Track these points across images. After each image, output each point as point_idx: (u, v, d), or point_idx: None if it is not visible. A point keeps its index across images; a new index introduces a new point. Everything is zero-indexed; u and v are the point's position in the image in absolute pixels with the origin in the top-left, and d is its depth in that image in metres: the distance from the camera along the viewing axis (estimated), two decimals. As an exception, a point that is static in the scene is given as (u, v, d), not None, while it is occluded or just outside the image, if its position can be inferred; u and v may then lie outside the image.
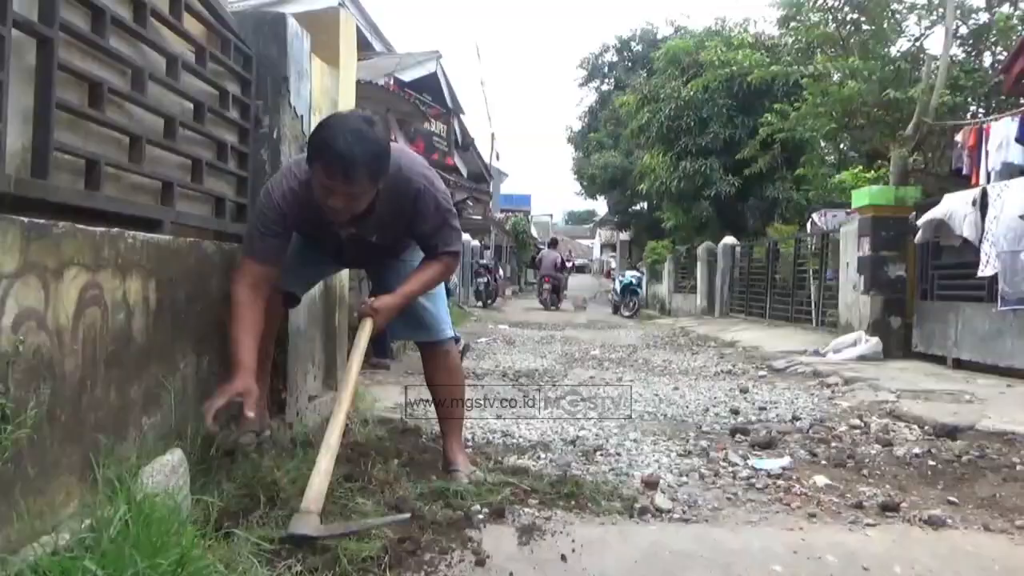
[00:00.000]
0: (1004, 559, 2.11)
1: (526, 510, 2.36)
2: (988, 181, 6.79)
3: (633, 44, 28.92)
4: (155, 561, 1.44)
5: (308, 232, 2.49)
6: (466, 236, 18.50)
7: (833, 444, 3.58)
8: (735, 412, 4.43)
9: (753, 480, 2.93)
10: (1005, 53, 8.95)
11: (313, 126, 3.27)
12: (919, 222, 6.71)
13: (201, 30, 2.51)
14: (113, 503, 1.53)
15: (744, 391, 5.32)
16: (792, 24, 11.86)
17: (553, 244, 21.36)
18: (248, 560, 1.66)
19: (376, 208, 2.33)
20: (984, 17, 10.45)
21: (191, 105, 2.39)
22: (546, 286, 18.63)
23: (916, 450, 3.40)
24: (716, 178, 15.90)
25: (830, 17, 10.93)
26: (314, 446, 2.52)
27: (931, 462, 3.24)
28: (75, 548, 1.45)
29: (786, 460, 3.19)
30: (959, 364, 6.35)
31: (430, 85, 13.68)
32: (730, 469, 3.08)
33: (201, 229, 2.48)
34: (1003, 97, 9.20)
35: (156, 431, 1.98)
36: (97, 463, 1.63)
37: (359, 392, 3.76)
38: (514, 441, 3.52)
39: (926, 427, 3.89)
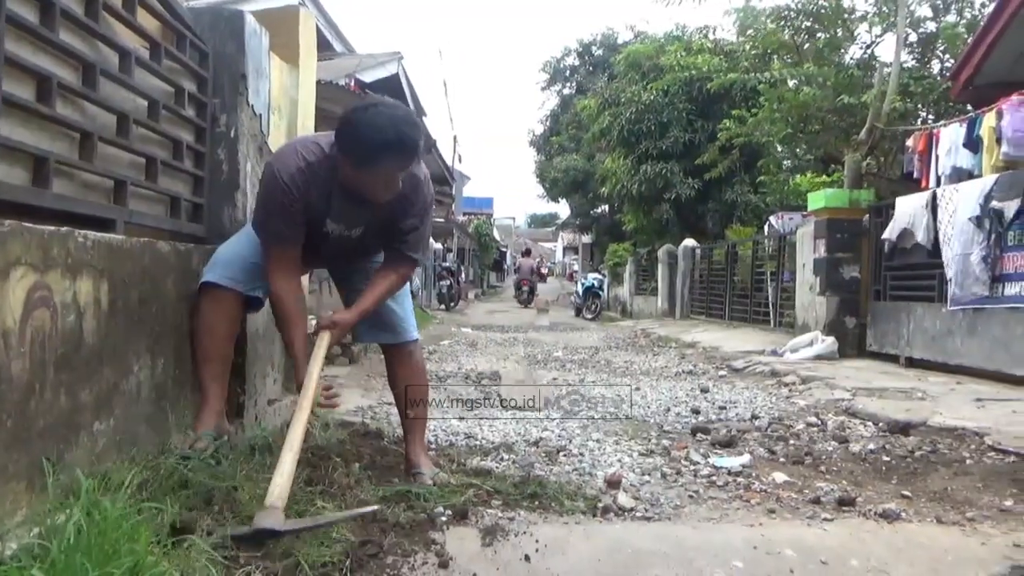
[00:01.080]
0: (956, 550, 2.17)
1: (489, 511, 2.35)
2: (938, 185, 6.99)
3: (594, 48, 29.14)
4: (107, 570, 1.39)
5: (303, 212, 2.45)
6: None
7: (791, 442, 3.64)
8: (696, 412, 4.48)
9: (714, 478, 2.96)
10: (953, 60, 9.24)
11: (271, 125, 3.24)
12: (886, 235, 6.86)
13: (156, 25, 2.45)
14: (64, 510, 1.48)
15: (705, 391, 5.39)
16: (749, 31, 12.08)
17: (527, 253, 25.03)
18: (205, 567, 1.62)
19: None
20: (933, 26, 10.78)
21: (145, 102, 2.34)
22: (524, 288, 21.97)
23: (871, 446, 3.49)
24: (676, 181, 16.09)
25: (786, 25, 11.15)
26: (273, 451, 2.49)
27: (885, 458, 3.32)
28: (23, 558, 1.40)
29: (746, 458, 3.24)
30: (911, 363, 6.52)
31: (392, 86, 13.59)
32: (691, 467, 3.11)
33: (156, 229, 2.43)
34: (951, 103, 9.49)
35: (108, 436, 1.92)
36: (47, 469, 1.58)
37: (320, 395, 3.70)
38: (477, 443, 3.51)
39: (880, 424, 3.98)
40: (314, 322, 2.49)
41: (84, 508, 1.50)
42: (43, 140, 1.83)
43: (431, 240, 18.78)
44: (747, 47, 12.72)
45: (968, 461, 3.24)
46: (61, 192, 1.88)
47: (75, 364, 1.78)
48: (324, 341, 2.42)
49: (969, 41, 7.98)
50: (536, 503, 2.48)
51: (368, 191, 2.29)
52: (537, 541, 2.11)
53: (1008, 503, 2.62)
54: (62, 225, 1.75)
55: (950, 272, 6.01)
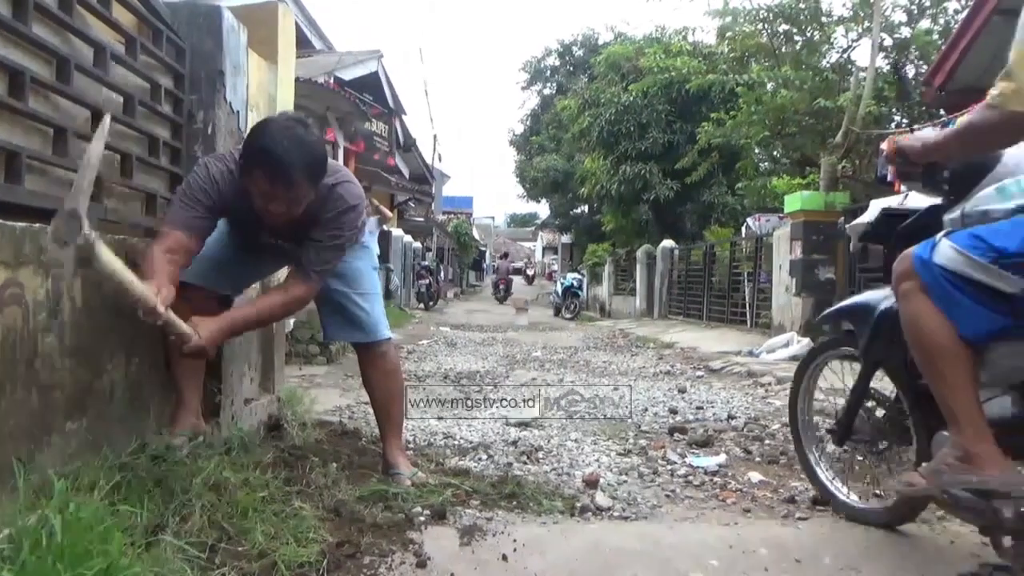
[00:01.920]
0: (926, 548, 2.21)
1: (468, 511, 2.35)
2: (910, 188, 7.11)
3: (575, 49, 29.22)
4: (79, 571, 1.37)
5: (234, 222, 2.42)
6: (408, 238, 18.38)
7: (767, 442, 3.68)
8: (673, 412, 4.52)
9: (691, 477, 2.99)
10: (926, 66, 9.39)
11: (250, 122, 3.21)
12: (850, 229, 6.95)
13: (132, 20, 2.42)
14: (35, 511, 1.46)
15: (682, 391, 5.43)
16: (728, 34, 12.18)
17: (505, 256, 29.18)
18: (180, 567, 1.61)
19: (304, 216, 2.28)
20: (907, 31, 10.94)
21: (120, 98, 2.30)
22: (501, 286, 25.29)
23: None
24: (655, 182, 16.19)
25: (764, 28, 11.26)
26: (250, 450, 2.47)
27: (859, 457, 3.36)
28: (-8, 559, 1.37)
29: (722, 458, 3.27)
30: (884, 363, 6.60)
31: (371, 84, 13.53)
32: (668, 467, 3.14)
33: (131, 226, 2.40)
34: (925, 108, 9.64)
35: (82, 436, 1.90)
36: (17, 470, 1.55)
37: (296, 394, 3.69)
38: (455, 442, 3.51)
39: (854, 424, 4.03)
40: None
41: (56, 509, 1.47)
42: (15, 135, 1.80)
43: (409, 239, 18.72)
44: (725, 49, 12.83)
45: (939, 460, 3.29)
46: (34, 188, 1.85)
47: (47, 363, 1.75)
48: (180, 323, 2.08)
49: (943, 47, 8.11)
50: (514, 503, 2.49)
51: (257, 204, 2.19)
52: (515, 541, 2.11)
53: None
54: (35, 222, 1.72)
55: None
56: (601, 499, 2.59)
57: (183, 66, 2.71)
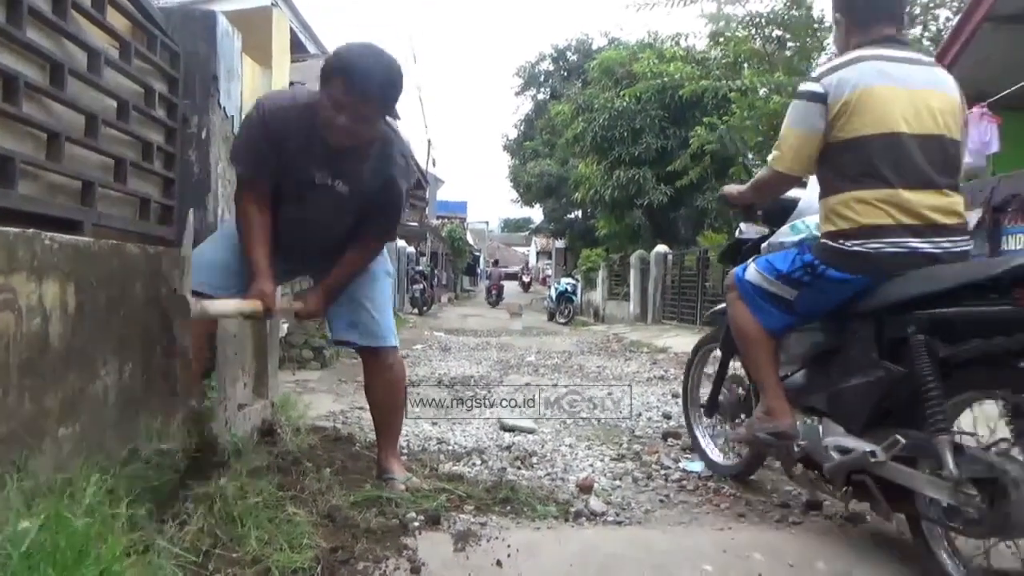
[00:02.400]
0: (920, 553, 2.21)
1: (462, 516, 2.35)
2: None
3: (569, 54, 29.32)
4: (72, 578, 1.37)
5: (286, 167, 2.38)
6: (402, 243, 18.37)
7: (760, 446, 3.68)
8: (667, 416, 4.52)
9: (684, 482, 2.99)
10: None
11: (244, 127, 3.20)
12: None
13: (126, 25, 2.42)
14: (27, 517, 1.45)
15: (676, 396, 5.43)
16: (721, 39, 12.24)
17: (496, 263, 31.65)
18: (174, 573, 1.60)
19: (361, 156, 2.35)
20: (899, 38, 11.01)
21: (114, 102, 2.30)
22: (493, 292, 26.32)
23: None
24: (649, 188, 16.23)
25: (757, 33, 11.32)
26: (244, 455, 2.46)
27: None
28: (-17, 566, 1.37)
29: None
30: (877, 368, 6.63)
31: (365, 89, 13.52)
32: (662, 472, 3.14)
33: (124, 231, 2.39)
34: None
35: (74, 441, 1.89)
36: (10, 475, 1.55)
37: (290, 400, 3.68)
38: (449, 448, 3.50)
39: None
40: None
41: (48, 515, 1.47)
42: (9, 140, 1.80)
43: (403, 244, 18.72)
44: (719, 55, 12.88)
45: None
46: (27, 193, 1.85)
47: (40, 368, 1.75)
48: (288, 303, 2.48)
49: (933, 54, 8.16)
50: (508, 508, 2.48)
51: (324, 115, 2.23)
52: (509, 546, 2.11)
53: (969, 506, 2.68)
54: (28, 227, 1.72)
55: None
56: (595, 504, 2.59)
57: (177, 71, 2.71)
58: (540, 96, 30.52)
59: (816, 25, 10.85)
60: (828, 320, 2.29)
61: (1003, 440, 1.86)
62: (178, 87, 2.73)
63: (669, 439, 3.80)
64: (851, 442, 2.13)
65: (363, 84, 2.16)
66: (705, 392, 3.17)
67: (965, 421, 1.99)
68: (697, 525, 2.47)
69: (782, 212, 2.58)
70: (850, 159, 2.11)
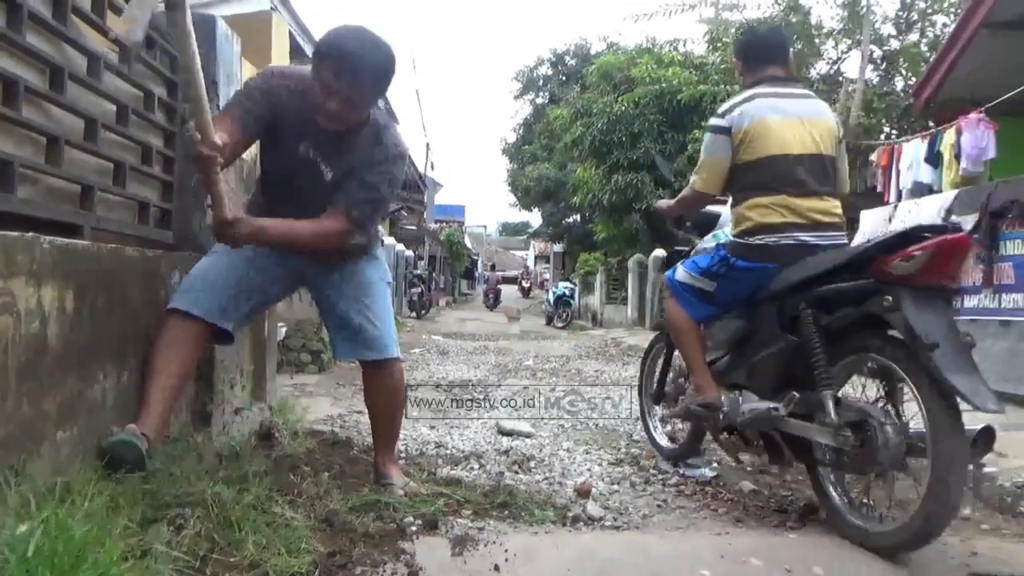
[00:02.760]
0: (916, 558, 2.21)
1: (460, 521, 2.35)
2: (900, 199, 7.16)
3: (567, 58, 29.37)
4: (69, 582, 1.37)
5: (275, 137, 2.34)
6: (400, 246, 18.36)
7: (758, 451, 3.68)
8: (664, 421, 4.52)
9: (682, 487, 2.99)
10: (915, 78, 9.48)
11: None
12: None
13: (125, 29, 2.42)
14: (25, 522, 1.45)
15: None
16: (719, 44, 12.27)
17: (492, 268, 32.62)
18: (170, 577, 1.60)
19: (352, 139, 2.34)
20: (896, 44, 11.05)
21: (114, 106, 2.31)
22: (491, 296, 26.99)
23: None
24: (647, 192, 16.22)
25: (755, 39, 11.34)
26: (241, 459, 2.46)
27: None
28: (-19, 570, 1.37)
29: (714, 467, 3.28)
30: (874, 373, 6.64)
31: (364, 93, 13.54)
32: (660, 477, 3.14)
33: (123, 235, 2.39)
34: (914, 119, 9.72)
35: (72, 445, 1.89)
36: (8, 480, 1.54)
37: (288, 403, 3.68)
38: (447, 452, 3.50)
39: (844, 433, 4.05)
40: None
41: (46, 519, 1.47)
42: (8, 144, 1.80)
43: (402, 247, 18.71)
44: (717, 60, 12.91)
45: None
46: (26, 197, 1.85)
47: (38, 372, 1.75)
48: (220, 186, 2.14)
49: (931, 60, 8.19)
50: (506, 512, 2.49)
51: (319, 104, 2.22)
52: (507, 551, 2.11)
53: (966, 512, 2.68)
54: (27, 230, 1.72)
55: None
56: (593, 509, 2.60)
57: (176, 75, 2.71)
58: (539, 100, 30.56)
59: (814, 31, 10.88)
60: (743, 308, 2.77)
61: (880, 398, 2.35)
62: (177, 91, 2.73)
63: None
64: (762, 404, 2.58)
65: (354, 70, 2.15)
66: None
67: (871, 392, 2.43)
68: (695, 530, 2.47)
69: (707, 224, 3.13)
70: (752, 176, 2.64)
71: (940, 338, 2.04)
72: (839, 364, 2.40)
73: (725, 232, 2.88)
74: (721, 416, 2.77)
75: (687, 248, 3.30)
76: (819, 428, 2.37)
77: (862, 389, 2.51)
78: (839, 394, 2.37)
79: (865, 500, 2.40)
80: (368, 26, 2.29)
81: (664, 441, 3.51)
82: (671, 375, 3.44)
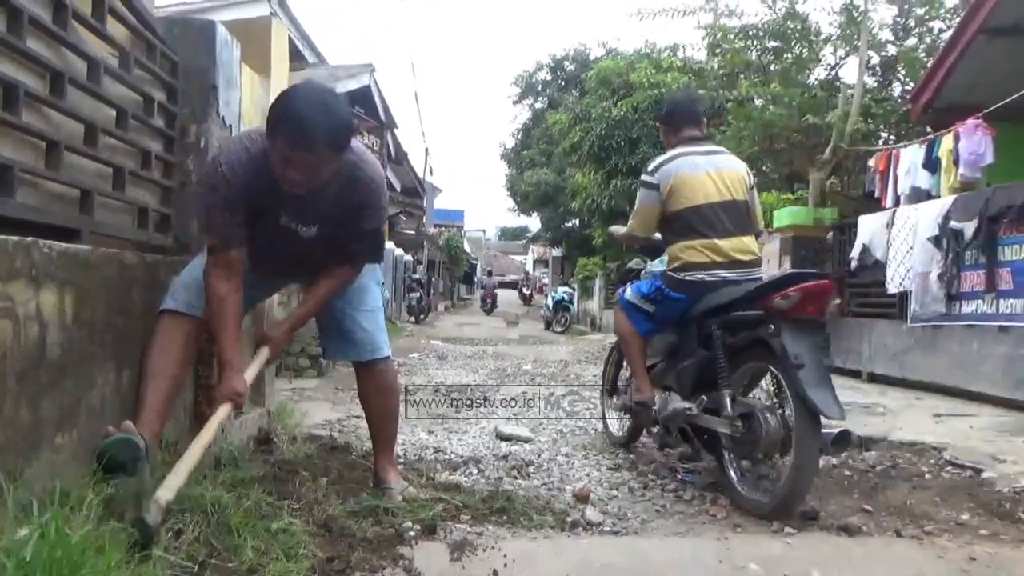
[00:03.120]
0: (914, 563, 2.22)
1: (458, 526, 2.35)
2: (898, 204, 7.16)
3: (566, 63, 29.38)
4: (68, 587, 1.37)
5: (253, 209, 2.30)
6: (399, 251, 18.36)
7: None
8: (663, 426, 4.52)
9: (681, 492, 2.99)
10: (913, 84, 9.50)
11: (243, 136, 3.21)
12: (852, 255, 7.00)
13: (125, 34, 2.43)
14: (23, 526, 1.45)
15: (672, 405, 5.43)
16: (717, 50, 12.28)
17: (489, 274, 35.22)
18: (169, 583, 1.60)
19: (326, 191, 2.26)
20: (894, 49, 11.06)
21: (113, 112, 2.31)
22: (488, 300, 27.89)
23: (833, 461, 3.54)
24: (646, 197, 16.23)
25: (753, 44, 11.37)
26: (240, 464, 2.46)
27: (847, 472, 3.38)
28: (-21, 576, 1.36)
29: (712, 472, 3.27)
30: (873, 378, 6.65)
31: (363, 98, 13.56)
32: (659, 482, 3.14)
33: (122, 240, 2.40)
34: (911, 125, 9.74)
35: (70, 449, 1.89)
36: (6, 484, 1.54)
37: (287, 408, 3.68)
38: (446, 457, 3.50)
39: (843, 438, 4.05)
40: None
41: (45, 524, 1.47)
42: (8, 148, 1.80)
43: (400, 252, 18.71)
44: (715, 66, 12.93)
45: (927, 475, 3.32)
46: (26, 201, 1.86)
47: (37, 376, 1.75)
48: (262, 356, 2.36)
49: (928, 65, 8.21)
50: (504, 518, 2.48)
51: (276, 172, 2.16)
52: (505, 556, 2.11)
53: (965, 517, 2.69)
54: (27, 235, 1.72)
55: (892, 287, 6.19)
56: (592, 514, 2.59)
57: (176, 80, 2.72)
58: (537, 105, 30.57)
59: (812, 37, 10.90)
60: (675, 326, 3.32)
61: (772, 398, 2.91)
62: (177, 96, 2.73)
63: (665, 449, 3.80)
64: (681, 404, 3.11)
65: (307, 137, 2.06)
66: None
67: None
68: (693, 535, 2.47)
69: (655, 250, 3.58)
70: (680, 223, 3.17)
71: (806, 360, 2.62)
72: (738, 372, 2.97)
73: (662, 261, 3.37)
74: (652, 412, 3.30)
75: (637, 268, 3.86)
76: (719, 420, 2.91)
77: (760, 391, 3.11)
78: (736, 394, 2.94)
79: (760, 477, 2.92)
80: (316, 80, 2.26)
81: (616, 428, 4.01)
82: (623, 374, 3.92)
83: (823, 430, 2.63)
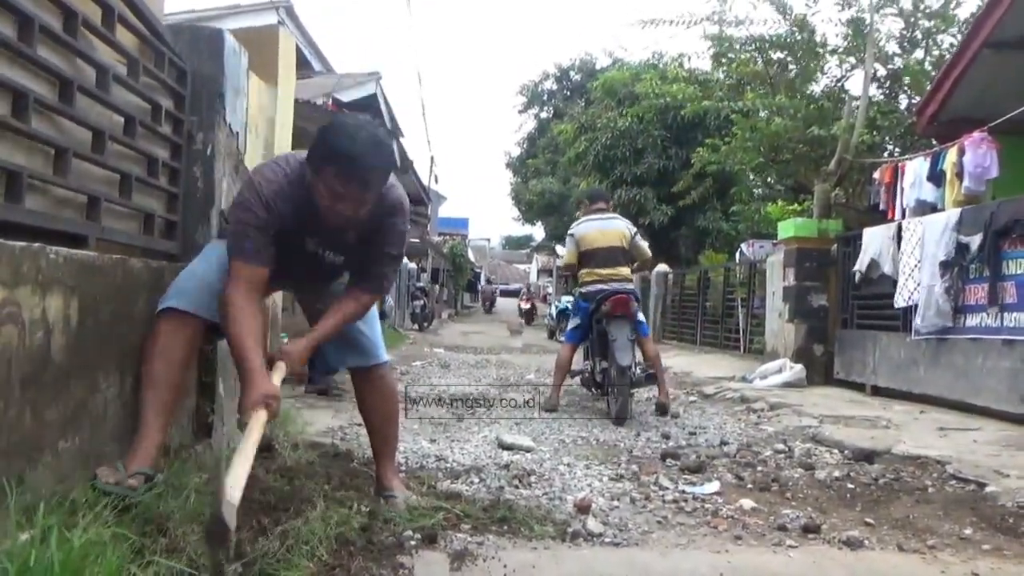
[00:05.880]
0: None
1: (459, 535, 2.34)
2: (903, 216, 7.15)
3: (572, 73, 29.48)
4: (69, 592, 1.37)
5: (280, 232, 2.30)
6: (403, 259, 18.36)
7: (759, 468, 3.68)
8: (666, 437, 4.52)
9: (682, 504, 2.98)
10: (919, 96, 9.50)
11: (249, 144, 3.24)
12: (857, 267, 6.99)
13: (134, 43, 2.45)
14: (26, 532, 1.46)
15: (675, 416, 5.42)
16: (723, 60, 12.31)
17: (489, 282, 41.69)
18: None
19: (358, 220, 2.27)
20: (900, 62, 11.07)
21: (121, 119, 2.33)
22: (487, 303, 35.52)
23: (836, 474, 3.53)
24: (650, 207, 16.27)
25: (759, 55, 11.40)
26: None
27: (850, 485, 3.37)
28: (-19, 580, 1.37)
29: (714, 484, 3.27)
30: (877, 391, 6.62)
31: (369, 106, 13.61)
32: (660, 493, 3.13)
33: (128, 246, 2.41)
34: (917, 137, 9.73)
35: (75, 455, 1.89)
36: (9, 490, 1.55)
37: (289, 415, 3.68)
38: (447, 465, 3.50)
39: (846, 451, 4.04)
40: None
41: (47, 529, 1.47)
42: (17, 155, 1.82)
43: (405, 260, 18.73)
44: (721, 76, 12.95)
45: (930, 489, 3.30)
46: (34, 207, 1.87)
47: (42, 381, 1.76)
48: (279, 372, 2.31)
49: (934, 78, 8.21)
50: (505, 527, 2.48)
51: (323, 204, 2.18)
52: (506, 566, 2.11)
53: (968, 531, 2.68)
54: (34, 241, 1.74)
55: (900, 300, 6.17)
56: (593, 524, 2.59)
57: (184, 88, 2.74)
58: (543, 115, 30.65)
59: (819, 48, 10.92)
60: (588, 321, 5.58)
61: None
62: (185, 104, 2.75)
63: (668, 460, 3.79)
64: (587, 365, 5.72)
65: (362, 172, 2.11)
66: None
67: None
68: (694, 547, 2.46)
69: (575, 279, 5.97)
70: (584, 259, 5.60)
71: (618, 337, 5.07)
72: (606, 344, 5.19)
73: (574, 292, 5.98)
74: (587, 374, 5.74)
75: (567, 307, 6.31)
76: (607, 370, 5.22)
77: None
78: (604, 358, 5.30)
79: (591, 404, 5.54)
80: (359, 118, 2.29)
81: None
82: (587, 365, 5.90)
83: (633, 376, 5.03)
